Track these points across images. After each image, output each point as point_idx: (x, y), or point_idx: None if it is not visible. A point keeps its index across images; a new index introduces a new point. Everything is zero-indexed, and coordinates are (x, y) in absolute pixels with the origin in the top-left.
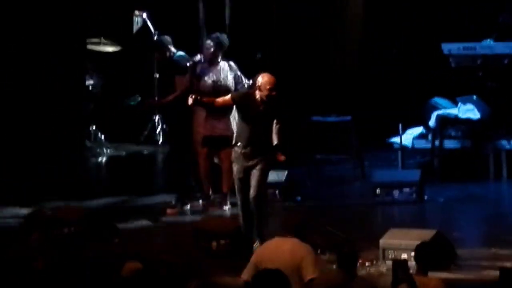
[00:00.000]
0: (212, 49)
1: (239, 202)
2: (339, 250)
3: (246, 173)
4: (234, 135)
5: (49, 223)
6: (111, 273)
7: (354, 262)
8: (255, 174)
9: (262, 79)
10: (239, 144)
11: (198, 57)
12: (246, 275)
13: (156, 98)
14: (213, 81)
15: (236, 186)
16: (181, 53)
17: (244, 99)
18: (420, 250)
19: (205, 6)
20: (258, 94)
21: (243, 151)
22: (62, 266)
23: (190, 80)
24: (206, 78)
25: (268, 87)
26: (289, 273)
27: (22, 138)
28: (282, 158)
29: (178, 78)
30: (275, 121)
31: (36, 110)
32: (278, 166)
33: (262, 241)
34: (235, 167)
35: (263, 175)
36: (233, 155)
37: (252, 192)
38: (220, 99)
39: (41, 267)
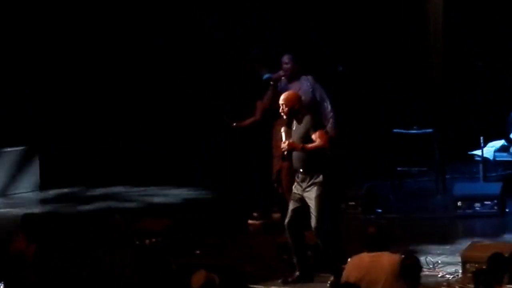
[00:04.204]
0: (290, 64)
1: (285, 224)
2: (401, 262)
3: (300, 200)
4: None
5: (135, 235)
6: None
7: (417, 272)
8: (312, 203)
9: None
10: (295, 167)
11: (280, 73)
12: None
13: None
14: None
15: (289, 205)
16: (267, 75)
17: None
18: (491, 261)
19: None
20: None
21: (298, 175)
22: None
23: (272, 98)
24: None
25: (281, 103)
26: (391, 284)
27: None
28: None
29: (259, 102)
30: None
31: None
32: (360, 179)
33: (337, 276)
34: (294, 186)
35: (321, 202)
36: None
37: (313, 223)
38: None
39: None
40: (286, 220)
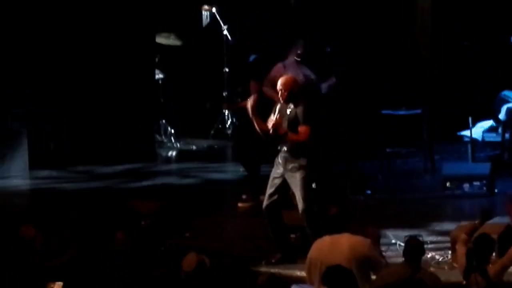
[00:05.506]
0: (303, 49)
1: (264, 208)
2: (405, 243)
3: (280, 183)
4: None
5: (130, 220)
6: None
7: (420, 255)
8: (297, 186)
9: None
10: (279, 147)
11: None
12: (306, 274)
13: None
14: (304, 76)
15: (267, 189)
16: (253, 55)
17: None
18: (477, 242)
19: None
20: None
21: (281, 154)
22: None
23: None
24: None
25: (279, 87)
26: (351, 266)
27: (94, 130)
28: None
29: (252, 83)
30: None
31: (107, 104)
32: (349, 160)
33: None
34: (273, 169)
35: (306, 184)
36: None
37: (300, 206)
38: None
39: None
40: (265, 205)
